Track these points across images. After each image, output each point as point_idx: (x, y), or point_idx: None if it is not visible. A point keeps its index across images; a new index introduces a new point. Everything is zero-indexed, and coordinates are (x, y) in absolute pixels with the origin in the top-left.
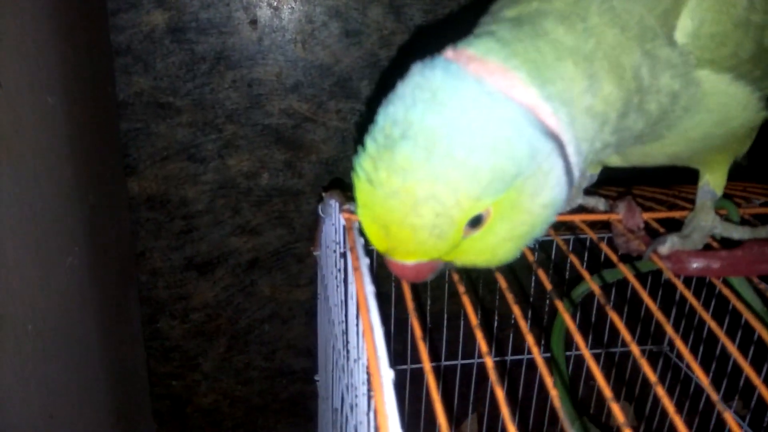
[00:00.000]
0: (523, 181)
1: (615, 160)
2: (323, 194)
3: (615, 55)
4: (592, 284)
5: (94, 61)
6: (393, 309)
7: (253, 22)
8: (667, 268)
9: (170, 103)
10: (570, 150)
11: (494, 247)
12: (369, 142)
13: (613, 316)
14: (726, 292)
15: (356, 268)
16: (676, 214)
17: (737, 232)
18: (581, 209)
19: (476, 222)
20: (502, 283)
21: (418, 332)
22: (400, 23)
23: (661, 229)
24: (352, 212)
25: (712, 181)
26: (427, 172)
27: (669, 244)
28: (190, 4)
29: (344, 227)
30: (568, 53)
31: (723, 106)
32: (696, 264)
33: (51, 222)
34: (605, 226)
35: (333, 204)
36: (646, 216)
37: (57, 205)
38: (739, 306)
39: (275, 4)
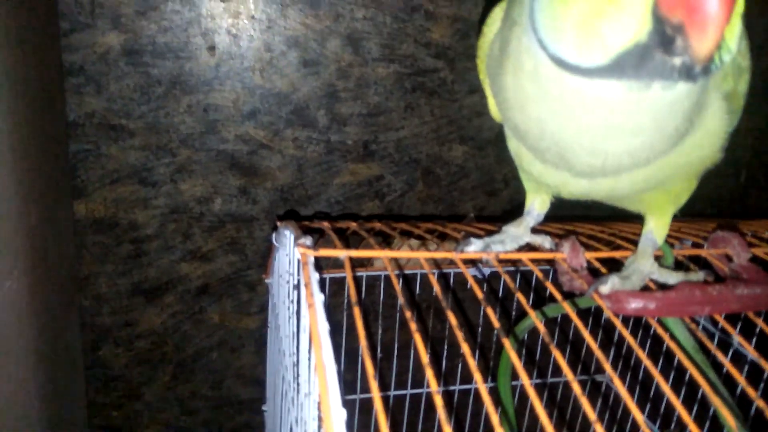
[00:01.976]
0: None
1: (581, 187)
2: (278, 223)
3: None
4: (537, 322)
5: (43, 80)
6: (344, 339)
7: (212, 48)
8: (607, 307)
9: (123, 126)
10: None
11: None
12: None
13: (555, 353)
14: (660, 331)
15: (311, 305)
16: (617, 255)
17: (672, 278)
18: (528, 247)
19: None
20: (452, 320)
21: (370, 370)
22: (358, 56)
23: (603, 269)
24: (308, 246)
25: (656, 230)
26: None
27: (609, 285)
28: (147, 28)
29: (299, 261)
30: None
31: (708, 133)
32: (634, 304)
33: None
34: (550, 262)
35: (288, 235)
36: (589, 255)
37: (3, 235)
38: (672, 344)
39: (234, 31)
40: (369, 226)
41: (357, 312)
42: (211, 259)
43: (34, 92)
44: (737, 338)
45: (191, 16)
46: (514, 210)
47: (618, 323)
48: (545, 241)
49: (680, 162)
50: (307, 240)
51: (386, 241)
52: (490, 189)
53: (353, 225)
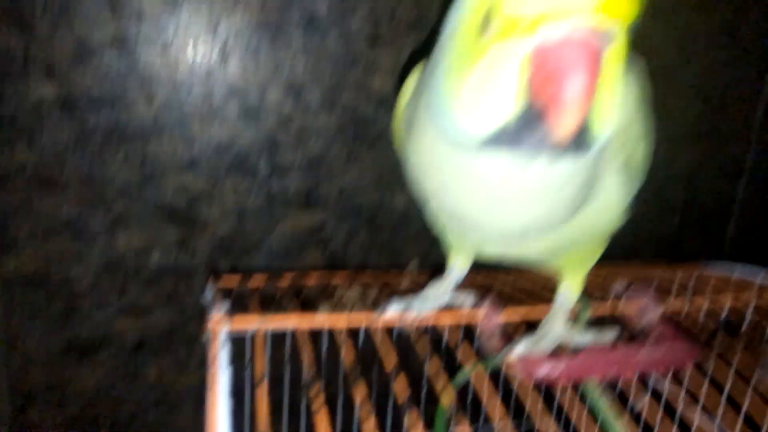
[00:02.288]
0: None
1: (495, 251)
2: (209, 281)
3: None
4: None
5: None
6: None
7: (150, 98)
8: (517, 372)
9: (56, 179)
10: None
11: (612, 88)
12: None
13: (490, 409)
14: (570, 395)
15: (211, 387)
16: (534, 314)
17: (583, 338)
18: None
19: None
20: (361, 393)
21: None
22: (299, 105)
23: (518, 331)
24: (221, 317)
25: (570, 290)
26: None
27: (519, 350)
28: (82, 78)
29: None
30: None
31: (607, 201)
32: (541, 371)
33: None
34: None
35: (210, 298)
36: (507, 315)
37: None
38: (577, 411)
39: (173, 81)
40: (305, 281)
41: (260, 393)
42: (149, 314)
43: None
44: (644, 400)
45: (128, 65)
46: None
47: (527, 390)
48: (467, 300)
49: (583, 229)
50: (222, 308)
51: (327, 290)
52: (433, 236)
53: (288, 279)
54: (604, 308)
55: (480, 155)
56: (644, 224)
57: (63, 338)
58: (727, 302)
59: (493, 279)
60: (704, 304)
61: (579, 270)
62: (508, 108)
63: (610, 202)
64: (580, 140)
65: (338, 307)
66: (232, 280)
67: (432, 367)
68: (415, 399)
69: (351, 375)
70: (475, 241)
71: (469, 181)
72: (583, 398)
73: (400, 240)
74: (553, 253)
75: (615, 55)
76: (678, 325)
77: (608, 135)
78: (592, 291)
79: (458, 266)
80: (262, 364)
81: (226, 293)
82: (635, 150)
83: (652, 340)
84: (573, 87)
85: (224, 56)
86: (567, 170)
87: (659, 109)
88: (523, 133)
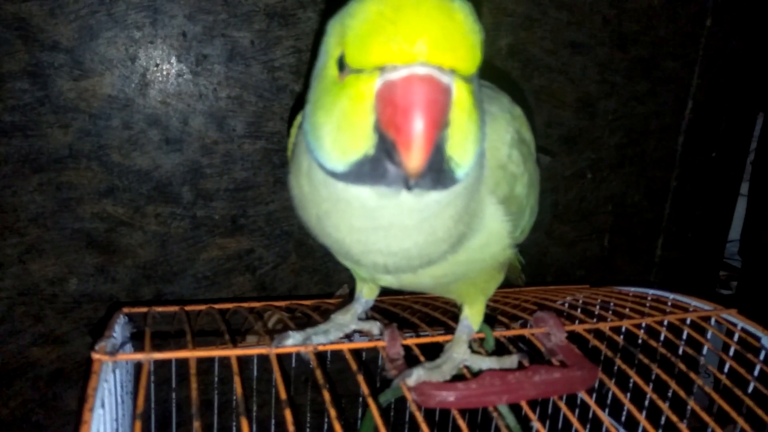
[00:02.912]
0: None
1: (390, 280)
2: (118, 312)
3: None
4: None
5: None
6: (216, 417)
7: (64, 126)
8: (413, 399)
9: None
10: None
11: (469, 126)
12: None
13: None
14: (462, 424)
15: (84, 422)
16: (440, 339)
17: (485, 363)
18: (357, 335)
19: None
20: (332, 413)
21: None
22: (223, 133)
23: (421, 356)
24: (105, 352)
25: (470, 316)
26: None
27: (415, 377)
28: None
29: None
30: None
31: (490, 233)
32: (436, 398)
33: None
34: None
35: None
36: (411, 342)
37: None
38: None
39: (89, 110)
40: (219, 308)
41: (137, 428)
42: (67, 342)
43: None
44: (537, 424)
45: (41, 94)
46: None
47: (419, 416)
48: (374, 327)
49: (471, 260)
50: (108, 343)
51: (258, 313)
52: None
53: (203, 308)
54: (510, 332)
55: (348, 188)
56: (575, 245)
57: None
58: (640, 321)
59: (409, 303)
60: (607, 324)
61: (477, 298)
62: (363, 144)
63: (494, 235)
64: (439, 174)
65: (260, 334)
66: (142, 309)
67: (326, 397)
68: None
69: (239, 407)
70: (367, 270)
71: (342, 213)
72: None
73: (332, 263)
74: (445, 284)
75: (464, 99)
76: (582, 348)
77: (469, 171)
78: (505, 314)
79: (364, 294)
80: (141, 397)
81: (132, 322)
82: (514, 187)
83: (553, 363)
84: (414, 123)
85: (142, 86)
86: (435, 203)
87: (584, 137)
88: (379, 168)
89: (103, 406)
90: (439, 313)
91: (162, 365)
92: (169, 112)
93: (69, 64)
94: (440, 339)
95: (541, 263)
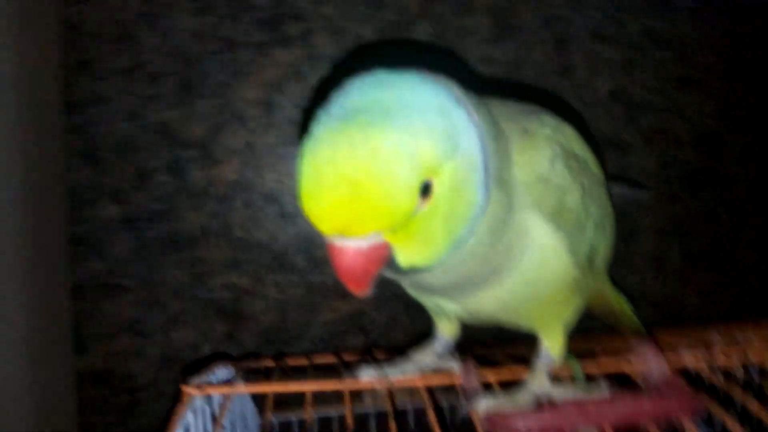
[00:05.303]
0: (460, 161)
1: (455, 308)
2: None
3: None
4: None
5: (52, 250)
6: None
7: (197, 209)
8: (483, 428)
9: (120, 284)
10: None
11: (433, 232)
12: (319, 125)
13: None
14: None
15: None
16: (523, 374)
17: (569, 394)
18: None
19: (426, 191)
20: None
21: None
22: None
23: (501, 391)
24: (194, 385)
25: (549, 346)
26: (387, 132)
27: (485, 404)
28: (141, 198)
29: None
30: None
31: (543, 250)
32: (505, 425)
33: (1, 401)
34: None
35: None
36: (492, 377)
37: (10, 383)
38: None
39: (216, 193)
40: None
41: None
42: None
43: (43, 263)
44: None
45: (178, 184)
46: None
47: None
48: (454, 366)
49: (529, 280)
50: (201, 379)
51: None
52: None
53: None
54: (608, 368)
55: None
56: (714, 295)
57: (127, 429)
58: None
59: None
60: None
61: (554, 326)
62: None
63: (548, 252)
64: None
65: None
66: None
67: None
68: None
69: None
70: (432, 299)
71: None
72: None
73: None
74: (513, 309)
75: (415, 219)
76: (688, 381)
77: (441, 257)
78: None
79: (442, 332)
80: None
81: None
82: (564, 198)
83: (627, 396)
84: (342, 278)
85: (260, 169)
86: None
87: (708, 176)
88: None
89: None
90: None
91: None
92: (284, 189)
93: (200, 157)
94: (519, 375)
95: (678, 315)
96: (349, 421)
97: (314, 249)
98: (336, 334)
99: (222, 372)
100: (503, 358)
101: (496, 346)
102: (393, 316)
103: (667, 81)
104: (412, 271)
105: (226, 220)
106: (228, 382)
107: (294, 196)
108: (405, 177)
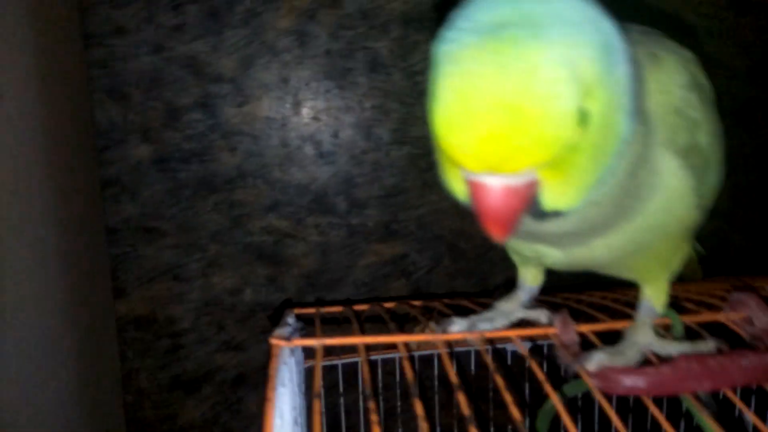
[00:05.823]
0: (614, 84)
1: (557, 257)
2: (286, 312)
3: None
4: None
5: (84, 194)
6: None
7: (232, 149)
8: (595, 386)
9: (156, 228)
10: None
11: (582, 167)
12: (452, 43)
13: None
14: (656, 413)
15: (269, 399)
16: (618, 325)
17: (675, 349)
18: (523, 323)
19: (584, 118)
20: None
21: None
22: (370, 142)
23: (599, 343)
24: (281, 337)
25: (653, 297)
26: (545, 46)
27: (596, 361)
28: (172, 137)
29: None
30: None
31: (672, 192)
32: (624, 383)
33: (43, 348)
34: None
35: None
36: (586, 328)
37: (49, 330)
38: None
39: (252, 132)
40: (387, 307)
41: (317, 406)
42: (245, 349)
43: (77, 205)
44: (750, 416)
45: (211, 122)
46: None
47: (605, 404)
48: (541, 316)
49: (652, 225)
50: (285, 330)
51: (409, 322)
52: None
53: (366, 308)
54: (702, 317)
55: None
56: (761, 234)
57: (170, 374)
58: None
59: (572, 299)
60: None
61: (660, 276)
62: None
63: (676, 193)
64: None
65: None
66: (309, 311)
67: (499, 384)
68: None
69: (411, 389)
70: (536, 248)
71: None
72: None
73: (486, 264)
74: (623, 257)
75: (563, 154)
76: None
77: (583, 201)
78: (691, 301)
79: (528, 281)
80: (318, 378)
81: (300, 320)
82: (696, 135)
83: (752, 351)
84: (485, 221)
85: (296, 105)
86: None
87: (762, 110)
88: None
89: (284, 385)
90: (610, 301)
91: (329, 371)
92: (321, 127)
93: (232, 93)
94: (619, 325)
95: (723, 254)
96: (450, 371)
97: (353, 189)
98: (378, 278)
99: (293, 322)
100: (585, 307)
101: (568, 292)
102: (435, 258)
103: (722, 7)
104: (553, 215)
105: (262, 160)
106: (299, 331)
107: (331, 134)
108: (568, 100)
